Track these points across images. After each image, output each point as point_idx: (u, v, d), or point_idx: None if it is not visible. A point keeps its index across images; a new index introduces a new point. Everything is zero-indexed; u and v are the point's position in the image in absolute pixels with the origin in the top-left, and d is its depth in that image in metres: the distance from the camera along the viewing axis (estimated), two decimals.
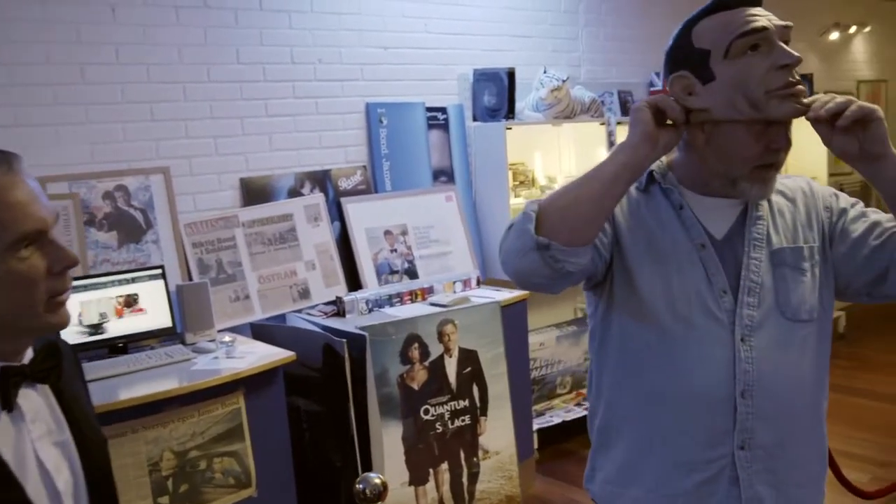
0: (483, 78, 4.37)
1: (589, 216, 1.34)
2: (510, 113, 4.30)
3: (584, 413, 4.47)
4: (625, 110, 5.07)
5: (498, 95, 4.32)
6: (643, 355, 1.46)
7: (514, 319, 3.80)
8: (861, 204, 1.54)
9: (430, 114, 4.26)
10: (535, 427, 4.16)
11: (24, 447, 1.09)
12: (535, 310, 4.50)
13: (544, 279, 1.37)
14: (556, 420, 4.36)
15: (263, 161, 3.72)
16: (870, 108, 1.30)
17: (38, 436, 1.12)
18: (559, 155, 4.87)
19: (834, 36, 6.96)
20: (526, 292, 3.95)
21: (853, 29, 7.10)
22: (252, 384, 2.91)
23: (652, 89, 5.38)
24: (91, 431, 1.23)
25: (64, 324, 1.13)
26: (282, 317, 3.58)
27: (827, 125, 1.33)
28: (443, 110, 4.32)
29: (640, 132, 1.34)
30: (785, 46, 1.36)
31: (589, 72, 5.12)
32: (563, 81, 4.34)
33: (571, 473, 4.16)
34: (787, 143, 1.40)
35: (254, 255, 3.51)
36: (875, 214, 1.50)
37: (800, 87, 1.36)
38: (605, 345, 1.53)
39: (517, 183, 4.51)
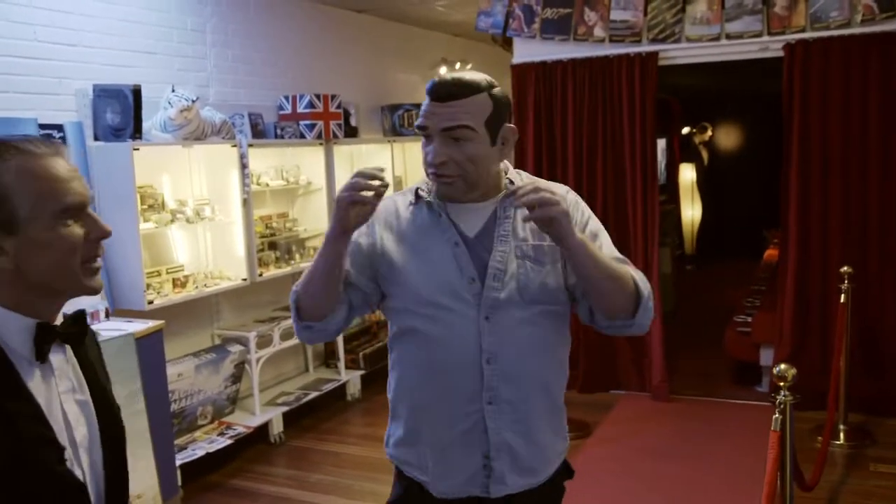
0: (104, 94, 4.07)
1: (325, 298, 1.75)
2: (137, 133, 4.06)
3: (229, 442, 4.37)
4: (255, 132, 5.06)
5: (122, 114, 4.05)
6: (415, 335, 1.79)
7: (149, 351, 3.58)
8: (590, 228, 1.83)
9: (44, 131, 3.84)
10: (177, 463, 3.95)
11: (52, 397, 1.26)
12: (171, 339, 4.28)
13: (329, 337, 1.88)
14: (200, 452, 4.18)
15: None
16: (547, 217, 1.57)
17: (62, 390, 1.28)
18: (190, 177, 4.70)
19: (443, 70, 7.63)
20: (161, 321, 3.76)
21: (458, 65, 7.83)
22: None
23: (281, 112, 5.44)
24: (108, 398, 1.38)
25: (98, 288, 1.30)
26: None
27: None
28: (59, 128, 3.93)
29: (339, 230, 1.66)
30: (436, 145, 1.70)
31: (218, 93, 5.03)
32: (194, 101, 4.20)
33: None
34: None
35: None
36: (608, 253, 1.78)
37: (442, 178, 1.72)
38: (393, 331, 1.86)
39: (146, 207, 4.26)
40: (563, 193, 1.83)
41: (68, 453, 1.25)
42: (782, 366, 2.60)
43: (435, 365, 1.76)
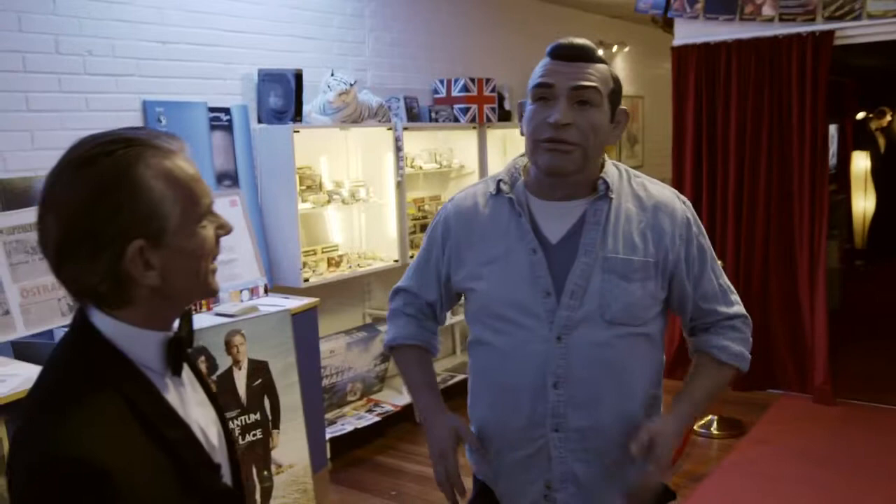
0: (268, 79, 4.23)
1: None
2: (297, 115, 4.20)
3: (376, 419, 4.47)
4: (410, 116, 5.12)
5: (284, 97, 4.20)
6: (482, 347, 1.66)
7: (304, 327, 3.70)
8: (708, 255, 1.68)
9: (212, 114, 4.05)
10: (327, 436, 4.08)
11: (188, 410, 1.16)
12: (325, 316, 4.42)
13: None
14: (349, 428, 4.30)
15: (25, 161, 3.35)
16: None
17: (189, 398, 1.19)
18: (347, 159, 4.82)
19: (599, 53, 7.45)
20: (316, 299, 3.88)
21: (615, 48, 7.65)
22: (15, 411, 2.60)
23: (436, 96, 5.47)
24: (209, 385, 1.30)
25: (219, 289, 1.21)
26: (49, 333, 3.24)
27: None
28: (226, 111, 4.13)
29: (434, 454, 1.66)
30: (561, 106, 1.50)
31: (375, 76, 5.12)
32: (352, 85, 4.30)
33: (365, 481, 4.12)
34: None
35: (15, 265, 3.14)
36: (709, 283, 1.67)
37: (561, 144, 1.51)
38: (469, 337, 1.74)
39: (304, 187, 4.40)
40: (671, 205, 1.64)
41: (224, 468, 1.20)
42: None
43: (500, 383, 1.62)
